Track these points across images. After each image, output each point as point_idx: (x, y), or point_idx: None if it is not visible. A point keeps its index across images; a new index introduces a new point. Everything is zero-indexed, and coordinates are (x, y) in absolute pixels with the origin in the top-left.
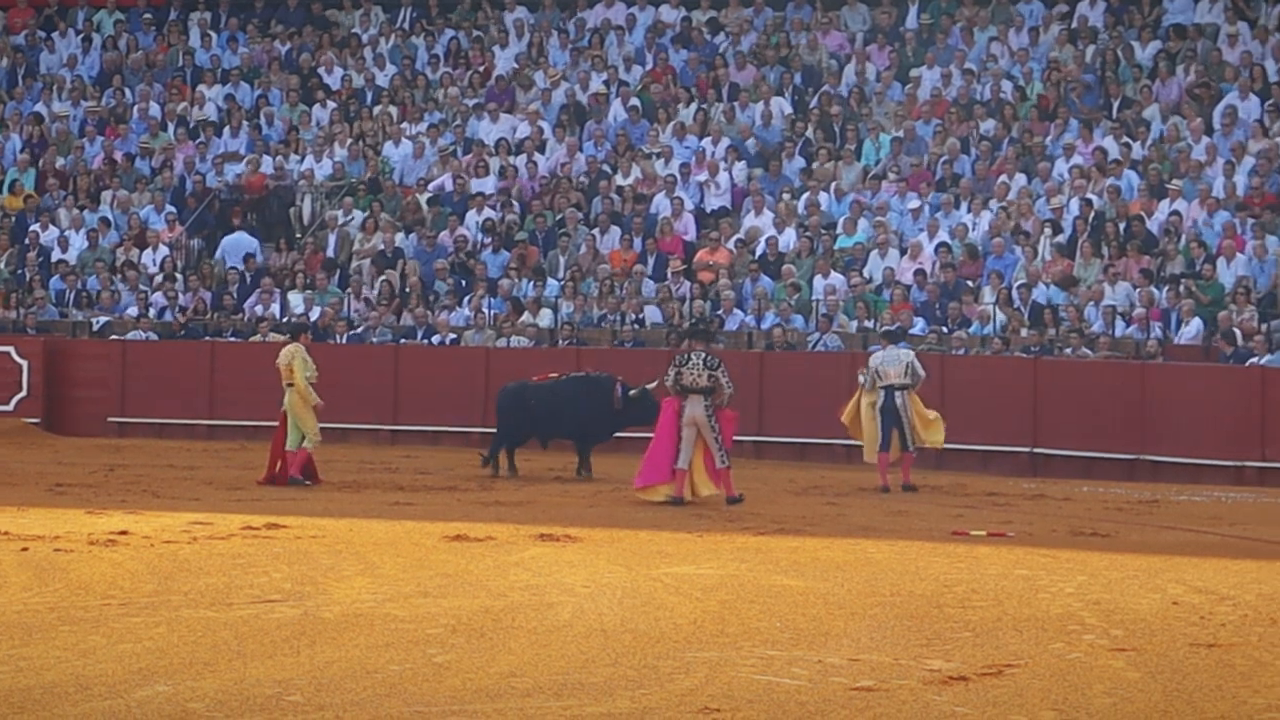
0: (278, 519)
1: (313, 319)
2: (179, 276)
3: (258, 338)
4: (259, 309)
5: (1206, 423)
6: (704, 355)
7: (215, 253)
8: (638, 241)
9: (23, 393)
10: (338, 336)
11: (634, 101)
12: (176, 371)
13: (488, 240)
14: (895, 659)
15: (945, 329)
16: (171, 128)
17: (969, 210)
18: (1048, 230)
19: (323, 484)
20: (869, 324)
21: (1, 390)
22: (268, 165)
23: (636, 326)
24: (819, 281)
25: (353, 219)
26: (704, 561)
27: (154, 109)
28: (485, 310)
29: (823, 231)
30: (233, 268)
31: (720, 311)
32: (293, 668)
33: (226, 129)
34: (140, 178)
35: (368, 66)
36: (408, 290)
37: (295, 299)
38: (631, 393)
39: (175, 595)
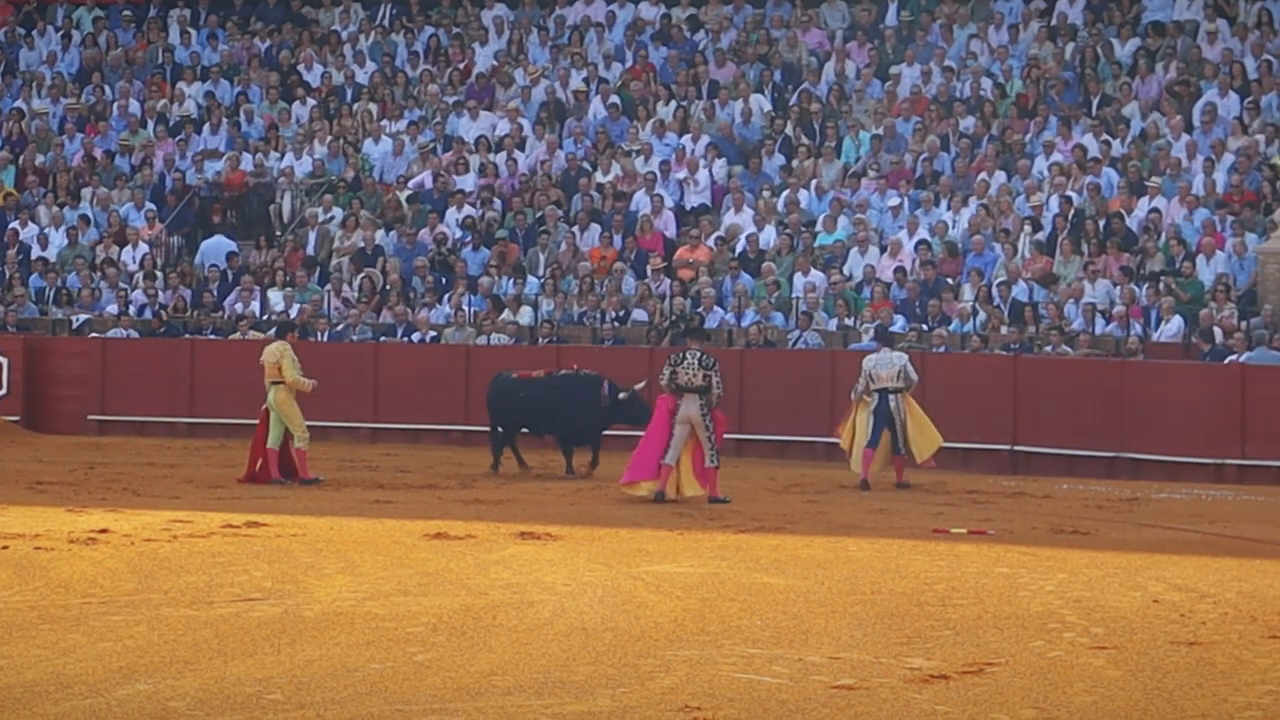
0: (258, 517)
1: (292, 316)
2: (159, 274)
3: (238, 335)
4: (239, 307)
5: (1186, 420)
6: (699, 354)
7: (196, 256)
8: (618, 239)
9: (2, 390)
10: (318, 334)
11: (614, 99)
12: (157, 369)
13: (468, 238)
14: (876, 657)
15: (925, 326)
16: (151, 125)
17: (949, 208)
18: (1027, 228)
19: (321, 481)
20: (849, 321)
21: None
22: (248, 162)
23: (617, 324)
24: (799, 279)
25: (333, 216)
26: (685, 560)
27: (134, 106)
28: (465, 308)
29: (803, 229)
30: (214, 265)
31: (700, 309)
32: (273, 666)
33: (206, 126)
34: (120, 175)
35: (347, 64)
36: (388, 288)
37: (275, 297)
38: (621, 395)
39: (156, 593)
